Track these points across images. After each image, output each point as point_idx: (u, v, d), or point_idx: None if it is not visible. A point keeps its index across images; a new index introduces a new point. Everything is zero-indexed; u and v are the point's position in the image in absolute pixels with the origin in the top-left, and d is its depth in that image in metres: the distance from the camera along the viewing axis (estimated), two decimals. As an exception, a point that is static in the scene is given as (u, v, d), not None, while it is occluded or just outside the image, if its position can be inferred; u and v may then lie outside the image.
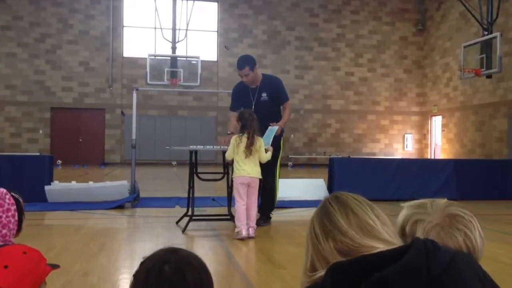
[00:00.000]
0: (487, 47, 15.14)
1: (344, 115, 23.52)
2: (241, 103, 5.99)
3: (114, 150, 21.91)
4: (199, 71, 18.35)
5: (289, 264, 4.05)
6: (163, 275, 1.09)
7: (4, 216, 1.78)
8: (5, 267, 1.42)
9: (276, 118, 6.06)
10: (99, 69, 21.77)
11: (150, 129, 21.60)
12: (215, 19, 22.82)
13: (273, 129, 5.71)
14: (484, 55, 15.17)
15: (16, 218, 1.84)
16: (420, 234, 1.30)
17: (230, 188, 5.68)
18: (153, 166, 19.53)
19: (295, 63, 23.16)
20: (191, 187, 5.69)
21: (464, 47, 16.34)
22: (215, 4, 22.82)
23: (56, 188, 7.65)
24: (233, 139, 5.21)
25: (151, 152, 21.19)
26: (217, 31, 22.78)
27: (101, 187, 7.90)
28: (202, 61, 18.92)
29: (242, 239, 4.98)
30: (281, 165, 6.25)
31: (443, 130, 22.41)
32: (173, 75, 18.11)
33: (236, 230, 5.08)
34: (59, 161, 19.34)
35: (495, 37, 14.83)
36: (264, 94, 6.05)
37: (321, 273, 1.14)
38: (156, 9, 20.18)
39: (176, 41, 20.18)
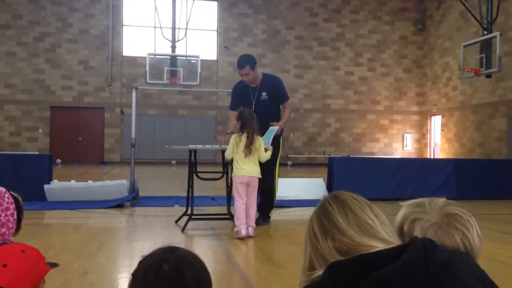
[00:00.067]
0: (486, 46, 15.14)
1: (343, 114, 23.52)
2: (241, 102, 5.99)
3: (114, 149, 21.91)
4: (199, 70, 18.35)
5: (288, 263, 4.05)
6: (162, 274, 1.08)
7: (3, 215, 1.78)
8: (4, 266, 1.42)
9: (276, 117, 6.07)
10: (98, 68, 21.76)
11: (150, 128, 21.60)
12: (215, 18, 22.82)
13: (273, 129, 5.72)
14: (483, 55, 15.18)
15: (15, 217, 1.84)
16: (418, 233, 1.30)
17: (229, 187, 5.67)
18: (152, 165, 19.53)
19: (294, 63, 23.16)
20: (190, 186, 5.69)
21: (464, 46, 16.35)
22: (215, 3, 22.81)
23: (55, 187, 7.65)
24: (233, 138, 5.21)
25: (150, 151, 21.19)
26: (217, 30, 22.77)
27: (100, 186, 7.90)
28: (201, 60, 18.92)
29: (241, 239, 4.98)
30: (280, 165, 6.25)
31: (442, 130, 22.41)
32: (173, 74, 18.11)
33: (236, 229, 5.08)
34: (59, 160, 19.33)
35: (494, 37, 14.84)
36: (264, 94, 6.05)
37: (319, 272, 1.14)
38: (155, 8, 20.18)
39: (176, 40, 20.18)
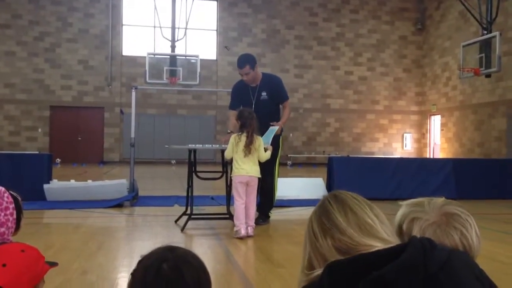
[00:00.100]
0: (486, 46, 15.14)
1: (343, 114, 23.52)
2: (241, 101, 5.99)
3: (113, 149, 21.90)
4: (198, 69, 18.34)
5: (288, 263, 4.05)
6: (161, 274, 1.08)
7: (2, 214, 1.78)
8: (4, 265, 1.42)
9: (276, 117, 6.07)
10: (98, 67, 21.76)
11: (149, 128, 21.59)
12: (215, 18, 22.81)
13: (273, 129, 5.72)
14: (483, 55, 15.18)
15: (15, 216, 1.84)
16: (416, 232, 1.30)
17: (229, 187, 5.67)
18: (152, 165, 19.53)
19: (294, 62, 23.16)
20: (190, 186, 5.69)
21: (463, 46, 16.35)
22: (215, 3, 22.81)
23: (55, 186, 7.65)
24: (232, 138, 5.21)
25: (150, 150, 21.19)
26: (217, 30, 22.77)
27: (100, 186, 7.90)
28: (201, 59, 18.91)
29: (241, 238, 4.98)
30: (280, 164, 6.25)
31: (442, 130, 22.42)
32: (172, 73, 18.10)
33: (235, 229, 5.08)
34: (58, 160, 19.32)
35: (494, 37, 14.84)
36: (264, 93, 6.05)
37: (318, 271, 1.14)
38: (155, 8, 20.17)
39: (176, 39, 20.17)
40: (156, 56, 19.16)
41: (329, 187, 8.41)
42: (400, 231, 1.35)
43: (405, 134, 23.97)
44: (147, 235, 5.35)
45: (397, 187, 8.48)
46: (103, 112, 21.86)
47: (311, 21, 23.38)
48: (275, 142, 5.76)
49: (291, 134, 22.33)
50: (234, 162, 5.22)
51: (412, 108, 24.14)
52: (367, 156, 20.46)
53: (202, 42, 22.42)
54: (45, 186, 7.52)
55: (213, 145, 6.37)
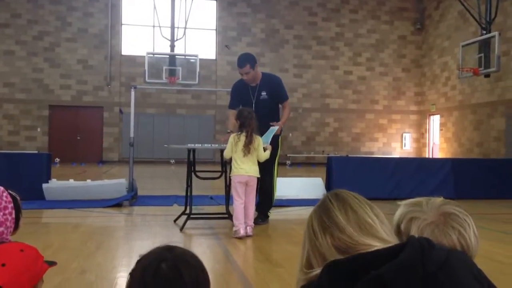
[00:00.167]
0: (485, 46, 15.15)
1: (342, 114, 23.53)
2: (240, 101, 5.99)
3: (112, 148, 21.90)
4: (198, 69, 18.34)
5: (287, 263, 4.05)
6: (160, 273, 1.08)
7: (1, 214, 1.78)
8: (3, 265, 1.42)
9: (275, 117, 6.07)
10: (97, 67, 21.74)
11: (149, 127, 21.59)
12: (214, 18, 22.81)
13: (273, 129, 5.72)
14: (482, 54, 15.19)
15: (13, 216, 1.84)
16: (414, 232, 1.30)
17: (228, 186, 5.67)
18: (151, 165, 19.52)
19: (293, 62, 23.16)
20: (189, 185, 5.69)
21: (463, 46, 16.36)
22: (214, 3, 22.80)
23: (54, 186, 7.64)
24: (232, 137, 5.21)
25: (149, 150, 21.18)
26: (216, 30, 22.77)
27: (99, 185, 7.89)
28: (200, 59, 18.91)
29: (240, 238, 4.98)
30: (279, 164, 6.25)
31: (441, 129, 22.43)
32: (172, 73, 18.10)
33: (234, 228, 5.08)
34: (57, 159, 19.31)
35: (493, 37, 14.85)
36: (264, 93, 6.04)
37: (317, 271, 1.14)
38: (154, 7, 20.16)
39: (175, 39, 20.16)
40: (155, 55, 19.16)
41: (328, 186, 8.41)
42: (398, 231, 1.35)
43: (404, 134, 23.98)
44: (146, 234, 5.35)
45: (396, 187, 8.48)
46: (102, 112, 21.85)
47: (310, 20, 23.38)
48: (274, 142, 5.76)
49: (290, 134, 22.33)
50: (233, 162, 5.21)
51: (411, 108, 24.16)
52: (366, 156, 20.47)
53: (201, 42, 22.42)
54: (44, 185, 7.52)
55: (212, 145, 6.36)
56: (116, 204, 7.20)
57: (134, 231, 5.61)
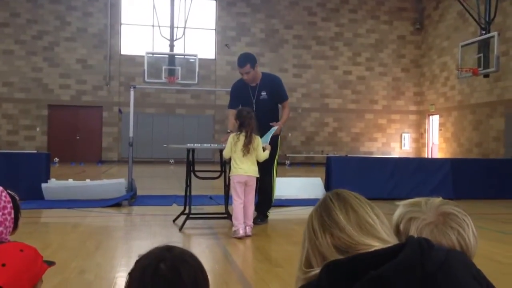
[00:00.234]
0: (484, 46, 15.16)
1: (341, 114, 23.54)
2: (240, 101, 6.00)
3: (111, 148, 21.89)
4: (197, 69, 18.34)
5: (286, 263, 4.05)
6: (159, 273, 1.08)
7: (0, 213, 1.78)
8: (3, 265, 1.42)
9: (275, 117, 6.06)
10: (96, 66, 21.73)
11: (148, 127, 21.57)
12: (213, 17, 22.80)
13: (273, 129, 5.72)
14: (481, 55, 15.20)
15: (13, 215, 1.83)
16: (413, 232, 1.30)
17: (227, 186, 5.67)
18: (150, 164, 19.52)
19: (293, 62, 23.16)
20: (188, 185, 5.69)
21: (462, 46, 16.37)
22: (213, 2, 22.80)
23: (53, 185, 7.64)
24: (231, 137, 5.21)
25: (148, 150, 21.17)
26: (215, 29, 22.76)
27: (98, 185, 7.89)
28: (200, 59, 18.91)
29: (239, 238, 4.98)
30: (278, 164, 6.25)
31: (440, 129, 22.45)
32: (171, 73, 18.10)
33: (234, 228, 5.08)
34: (56, 159, 19.30)
35: (492, 37, 14.86)
36: (263, 93, 6.04)
37: (316, 270, 1.14)
38: (154, 7, 20.15)
39: (174, 39, 20.15)
40: (154, 55, 19.16)
41: (327, 186, 8.41)
42: (397, 231, 1.35)
43: (403, 134, 23.99)
44: (145, 234, 5.35)
45: (395, 187, 8.48)
46: (101, 111, 21.84)
47: (309, 20, 23.39)
48: (274, 142, 5.76)
49: (289, 134, 22.33)
50: (232, 162, 5.21)
51: (411, 108, 24.17)
52: (365, 156, 20.48)
53: (200, 42, 22.41)
54: (43, 185, 7.52)
55: (212, 145, 6.37)
56: (115, 204, 7.20)
57: (133, 231, 5.61)
